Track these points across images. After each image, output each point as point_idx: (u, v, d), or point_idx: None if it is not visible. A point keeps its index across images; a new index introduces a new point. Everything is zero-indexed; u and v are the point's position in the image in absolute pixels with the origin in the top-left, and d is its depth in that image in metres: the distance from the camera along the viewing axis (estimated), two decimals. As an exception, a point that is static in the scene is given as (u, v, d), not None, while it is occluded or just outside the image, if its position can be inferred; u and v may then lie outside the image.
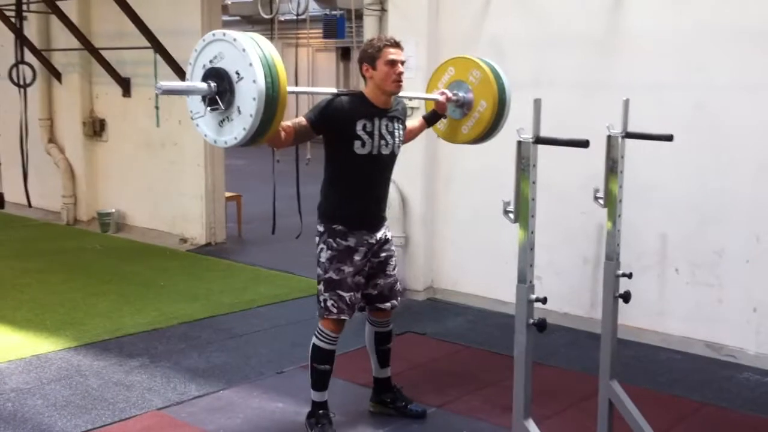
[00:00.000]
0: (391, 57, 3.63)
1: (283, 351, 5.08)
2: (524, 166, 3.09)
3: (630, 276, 3.93)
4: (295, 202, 6.22)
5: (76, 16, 8.65)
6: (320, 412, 3.83)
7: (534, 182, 3.08)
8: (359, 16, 7.67)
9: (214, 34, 3.10)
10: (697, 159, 4.98)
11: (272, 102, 3.00)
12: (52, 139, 9.59)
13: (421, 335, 5.44)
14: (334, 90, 3.67)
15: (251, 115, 2.97)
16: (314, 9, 15.24)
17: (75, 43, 8.56)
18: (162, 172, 8.50)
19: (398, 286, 4.04)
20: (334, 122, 3.61)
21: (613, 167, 3.81)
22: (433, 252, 6.31)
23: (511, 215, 3.14)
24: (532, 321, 3.10)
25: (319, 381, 3.82)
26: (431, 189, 6.23)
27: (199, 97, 3.10)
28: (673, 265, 5.14)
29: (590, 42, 5.38)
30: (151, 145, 8.55)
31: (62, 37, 8.93)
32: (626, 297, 3.89)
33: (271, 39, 6.70)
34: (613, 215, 3.83)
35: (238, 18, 16.70)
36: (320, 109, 3.61)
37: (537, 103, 3.07)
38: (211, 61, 3.07)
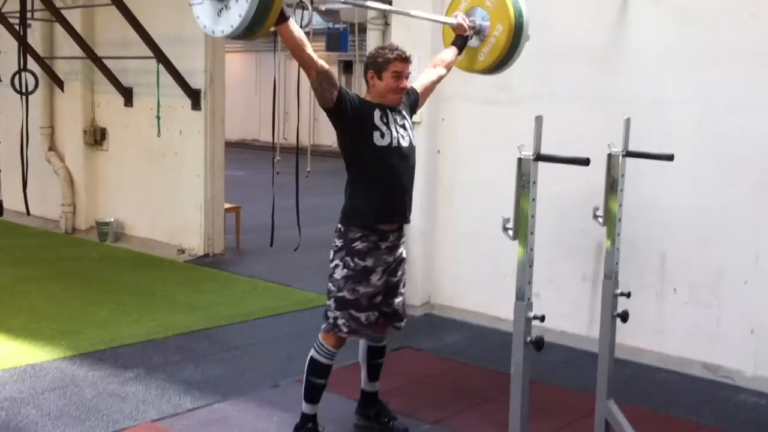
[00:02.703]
0: (398, 70, 3.66)
1: (279, 364, 5.06)
2: (524, 182, 3.09)
3: (628, 295, 3.92)
4: (294, 214, 6.21)
5: (80, 25, 8.67)
6: (309, 425, 3.82)
7: (534, 199, 3.07)
8: (362, 30, 7.69)
9: None
10: (697, 177, 4.97)
11: None
12: (52, 147, 9.59)
13: (418, 351, 5.41)
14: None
15: (247, 0, 2.95)
16: (318, 22, 15.32)
17: (78, 51, 8.57)
18: (162, 182, 8.49)
19: (405, 305, 4.04)
20: (356, 105, 3.61)
21: (613, 185, 3.80)
22: (431, 267, 6.30)
23: (511, 232, 3.13)
24: (529, 339, 3.08)
25: (313, 394, 3.80)
26: (431, 203, 6.23)
27: None
28: (671, 285, 5.12)
29: (592, 56, 5.39)
30: (152, 154, 8.55)
31: (65, 45, 8.95)
32: (624, 316, 3.88)
33: (275, 51, 6.76)
34: (613, 234, 3.82)
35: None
36: (346, 88, 3.62)
37: (538, 120, 3.06)
38: None
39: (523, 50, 4.23)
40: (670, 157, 3.99)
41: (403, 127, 3.75)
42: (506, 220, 3.12)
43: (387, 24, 6.40)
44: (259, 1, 2.98)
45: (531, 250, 3.11)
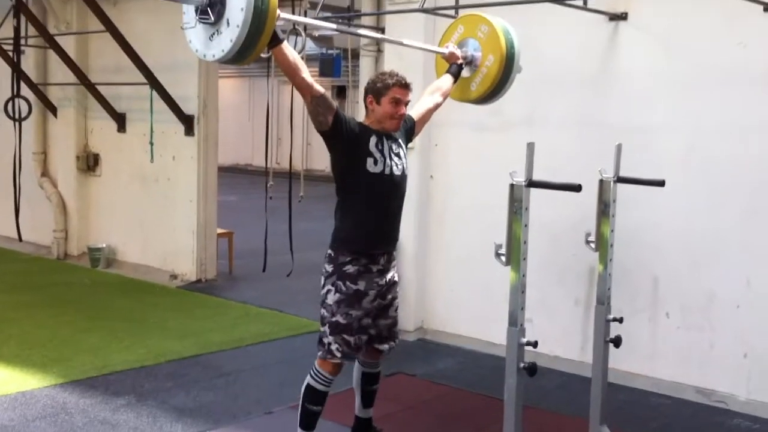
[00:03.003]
0: (397, 97, 3.68)
1: (271, 390, 5.03)
2: (516, 209, 3.10)
3: (621, 321, 3.93)
4: (286, 238, 6.21)
5: (74, 51, 8.70)
6: None
7: (526, 225, 3.09)
8: (356, 56, 7.75)
9: None
10: (688, 201, 5.00)
11: (260, 14, 3.01)
12: (45, 173, 9.57)
13: (411, 376, 5.40)
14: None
15: (238, 26, 3.00)
16: (311, 47, 15.39)
17: (72, 77, 8.59)
18: (154, 207, 8.48)
19: (397, 327, 4.00)
20: (352, 129, 3.61)
21: (605, 211, 3.83)
22: (424, 291, 6.30)
23: (503, 258, 3.14)
24: (522, 365, 3.09)
25: (308, 421, 3.78)
26: (423, 228, 6.24)
27: (193, 8, 3.13)
28: (664, 309, 5.13)
29: (583, 83, 5.44)
30: (145, 180, 8.55)
31: (59, 71, 8.98)
32: (617, 342, 3.89)
33: (268, 77, 6.79)
34: (605, 259, 3.84)
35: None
36: (343, 112, 3.62)
37: (530, 146, 3.08)
38: None
39: (514, 80, 4.26)
40: (661, 183, 4.02)
41: (398, 155, 3.75)
42: (499, 246, 3.14)
43: (380, 51, 6.44)
44: (250, 27, 3.02)
45: (523, 276, 3.12)
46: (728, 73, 4.83)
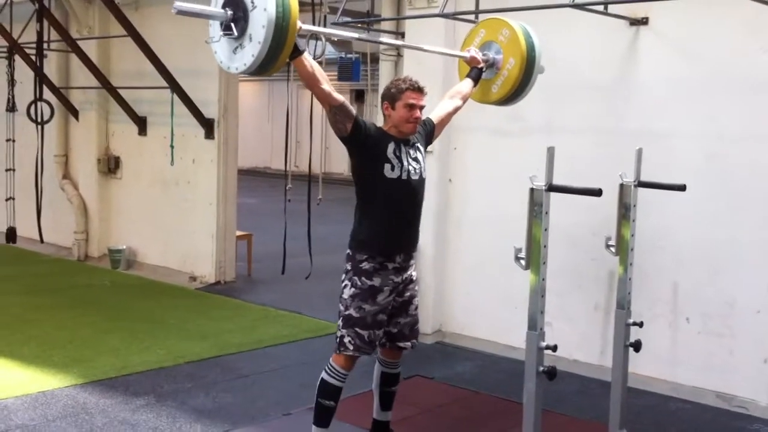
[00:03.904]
0: (411, 101, 3.71)
1: (290, 392, 5.05)
2: (537, 213, 3.11)
3: (641, 325, 3.92)
4: (305, 241, 6.23)
5: (96, 55, 8.78)
6: None
7: (546, 229, 3.09)
8: (374, 60, 7.76)
9: None
10: (708, 208, 4.97)
11: (281, 30, 3.09)
12: (66, 176, 9.67)
13: (430, 379, 5.40)
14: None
15: (260, 42, 3.08)
16: (330, 51, 15.45)
17: (93, 81, 8.67)
18: (174, 210, 8.54)
19: (418, 326, 4.04)
20: (371, 135, 3.68)
21: (625, 215, 3.82)
22: (442, 295, 6.30)
23: (523, 262, 3.14)
24: (542, 368, 3.09)
25: (322, 417, 3.81)
26: (442, 232, 6.24)
27: (218, 23, 3.21)
28: (684, 314, 5.11)
29: (603, 90, 5.42)
30: (165, 183, 8.62)
31: (81, 75, 9.06)
32: (637, 346, 3.88)
33: (287, 81, 6.82)
34: (625, 263, 3.83)
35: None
36: (363, 119, 3.68)
37: (550, 151, 3.09)
38: None
39: (535, 82, 4.27)
40: (682, 188, 4.01)
41: (416, 160, 3.79)
42: (518, 250, 3.15)
43: (399, 55, 6.46)
44: (271, 43, 3.10)
45: (543, 279, 3.12)
46: (749, 79, 4.81)
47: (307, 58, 3.40)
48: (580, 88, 5.52)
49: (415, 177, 3.76)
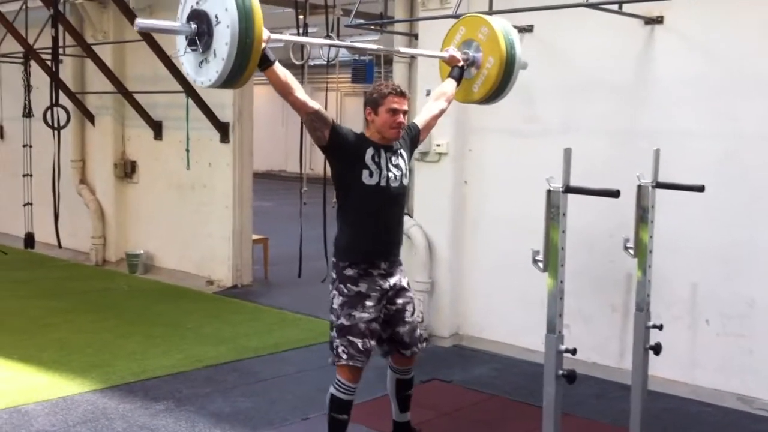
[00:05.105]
0: (394, 106, 3.68)
1: (308, 396, 5.05)
2: (554, 215, 3.09)
3: (661, 327, 3.89)
4: (321, 244, 6.23)
5: (111, 60, 8.82)
6: None
7: (564, 231, 3.07)
8: (388, 62, 7.75)
9: None
10: (726, 208, 4.93)
11: (245, 48, 3.02)
12: (83, 180, 9.72)
13: (447, 383, 5.38)
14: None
15: (223, 59, 3.03)
16: (343, 54, 15.45)
17: (109, 86, 8.72)
18: (191, 214, 8.57)
19: (419, 331, 4.02)
20: (349, 140, 3.65)
21: (643, 216, 3.79)
22: (459, 298, 6.28)
23: (540, 264, 3.12)
24: (561, 372, 3.06)
25: (336, 430, 3.80)
26: (458, 234, 6.22)
27: (185, 37, 3.16)
28: (703, 316, 5.06)
29: (619, 90, 5.39)
30: (181, 187, 8.64)
31: (96, 80, 9.11)
32: (657, 349, 3.85)
33: (302, 83, 6.82)
34: (644, 265, 3.80)
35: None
36: (340, 125, 3.66)
37: (567, 152, 3.07)
38: (198, 2, 3.12)
39: (517, 79, 4.21)
40: (701, 188, 3.98)
41: (397, 167, 3.75)
42: (536, 252, 3.13)
43: (414, 57, 6.44)
44: (234, 61, 3.03)
45: (561, 282, 3.10)
46: (766, 78, 4.76)
47: (279, 68, 3.38)
48: (596, 88, 5.48)
49: (395, 184, 3.73)
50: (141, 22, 3.01)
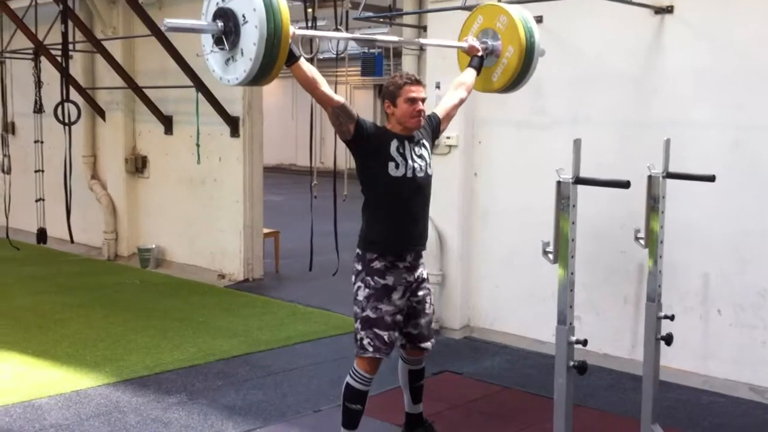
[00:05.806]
0: (412, 95, 3.68)
1: (320, 389, 5.07)
2: (564, 206, 3.08)
3: (672, 318, 3.88)
4: (332, 238, 6.24)
5: (121, 56, 8.85)
6: None
7: (574, 222, 3.07)
8: (397, 54, 7.75)
9: None
10: (737, 198, 4.91)
11: (273, 48, 3.03)
12: (94, 176, 9.77)
13: (458, 375, 5.39)
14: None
15: (251, 59, 3.04)
16: (353, 47, 15.45)
17: (119, 81, 8.75)
18: (202, 208, 8.60)
19: (433, 324, 4.04)
20: (373, 134, 3.66)
21: (654, 207, 3.78)
22: (469, 290, 6.28)
23: (551, 256, 3.12)
24: (572, 363, 3.06)
25: (350, 420, 3.81)
26: (468, 226, 6.22)
27: (210, 35, 3.17)
28: (715, 306, 5.05)
29: (628, 80, 5.37)
30: (192, 181, 8.67)
31: (107, 75, 9.14)
32: (668, 339, 3.84)
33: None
34: (655, 255, 3.79)
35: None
36: (364, 119, 3.66)
37: (577, 143, 3.06)
38: (223, 0, 3.11)
39: (536, 68, 4.19)
40: (711, 178, 3.96)
41: (421, 157, 3.76)
42: (546, 244, 3.12)
43: (422, 49, 6.43)
44: (263, 60, 3.04)
45: (572, 273, 3.10)
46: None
47: (304, 63, 3.38)
48: (605, 78, 5.46)
49: (420, 174, 3.73)
50: (169, 21, 3.01)
